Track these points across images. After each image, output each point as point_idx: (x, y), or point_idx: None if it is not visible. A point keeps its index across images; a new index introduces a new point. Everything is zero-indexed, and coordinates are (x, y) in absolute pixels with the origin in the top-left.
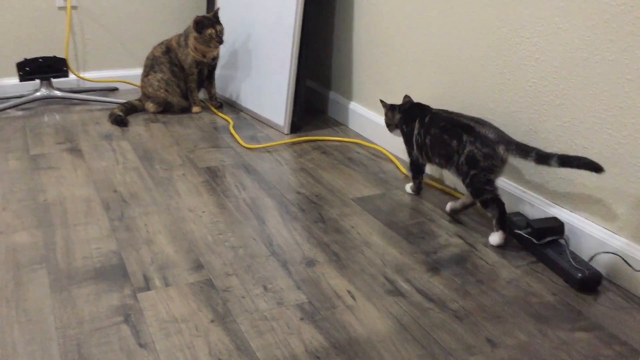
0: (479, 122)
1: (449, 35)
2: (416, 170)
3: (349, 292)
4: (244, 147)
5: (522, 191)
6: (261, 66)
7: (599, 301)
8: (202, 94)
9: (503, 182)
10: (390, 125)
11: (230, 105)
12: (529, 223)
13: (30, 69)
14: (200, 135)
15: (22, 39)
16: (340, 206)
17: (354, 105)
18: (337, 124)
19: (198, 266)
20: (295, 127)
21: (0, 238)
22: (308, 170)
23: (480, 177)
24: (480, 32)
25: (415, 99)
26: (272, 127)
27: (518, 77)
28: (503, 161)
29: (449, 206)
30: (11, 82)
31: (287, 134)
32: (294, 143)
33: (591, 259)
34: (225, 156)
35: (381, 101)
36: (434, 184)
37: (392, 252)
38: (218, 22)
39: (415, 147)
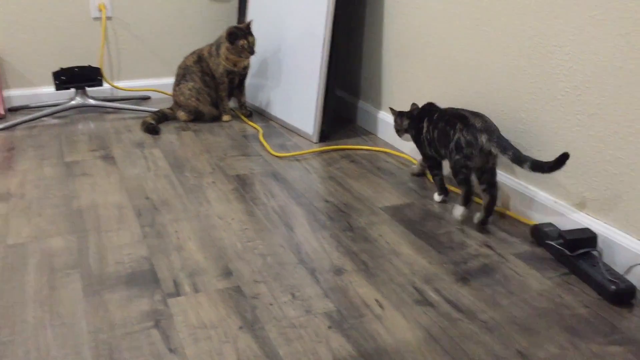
0: (475, 114)
1: (481, 44)
2: (432, 166)
3: (377, 301)
4: (273, 155)
5: (553, 201)
6: (291, 75)
7: (634, 314)
8: (232, 103)
9: (536, 192)
10: (400, 131)
11: (259, 114)
12: (561, 234)
13: (66, 78)
14: (230, 143)
15: (58, 48)
16: (369, 215)
17: (383, 115)
18: (366, 133)
19: (227, 273)
20: (324, 135)
21: (35, 243)
22: (337, 179)
23: (461, 162)
24: (512, 40)
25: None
26: (301, 136)
27: (550, 86)
28: (483, 150)
29: (476, 218)
30: (47, 91)
31: (316, 143)
32: (322, 152)
33: (627, 271)
34: (255, 164)
35: (390, 108)
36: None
37: (420, 261)
38: (250, 34)
39: (426, 144)
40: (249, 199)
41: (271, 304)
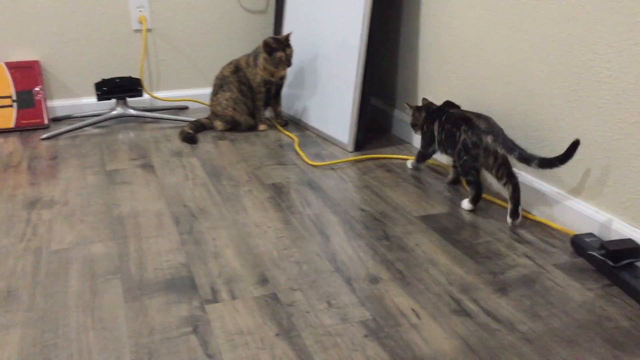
0: (479, 116)
1: (519, 52)
2: (424, 157)
3: (413, 310)
4: (309, 164)
5: (595, 211)
6: (326, 85)
7: None
8: (268, 112)
9: (576, 202)
10: (416, 126)
11: (295, 123)
12: (602, 244)
13: (107, 88)
14: (266, 152)
15: (100, 60)
16: (405, 224)
17: None
18: (402, 142)
19: (263, 280)
20: (360, 144)
21: (77, 249)
22: (372, 188)
23: (469, 162)
24: (551, 48)
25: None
26: (336, 145)
27: (590, 94)
28: (487, 150)
29: (509, 221)
30: (89, 101)
31: (351, 152)
32: (358, 161)
33: None
34: (291, 173)
35: (406, 103)
36: (502, 203)
37: (457, 271)
38: (288, 46)
39: (436, 143)
40: (285, 207)
41: (307, 312)
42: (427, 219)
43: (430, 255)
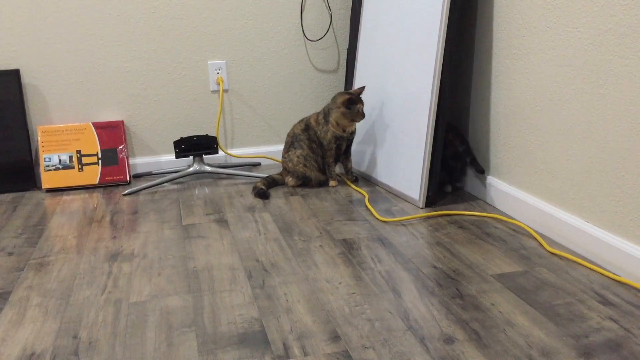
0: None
1: (597, 109)
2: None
3: None
4: (379, 220)
5: None
6: (396, 141)
7: None
8: (338, 168)
9: None
10: None
11: (365, 179)
12: None
13: (185, 146)
14: (336, 208)
15: (179, 119)
16: (479, 282)
17: (491, 180)
18: (474, 198)
19: (335, 337)
20: (431, 201)
21: (155, 301)
22: (444, 245)
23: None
24: (632, 106)
25: (561, 173)
26: (407, 201)
27: None
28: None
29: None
30: (168, 159)
31: (422, 208)
32: (429, 217)
33: None
34: (361, 229)
35: None
36: (585, 263)
37: (537, 333)
38: (360, 100)
39: None
40: (355, 263)
41: None
42: (502, 278)
43: (507, 316)
